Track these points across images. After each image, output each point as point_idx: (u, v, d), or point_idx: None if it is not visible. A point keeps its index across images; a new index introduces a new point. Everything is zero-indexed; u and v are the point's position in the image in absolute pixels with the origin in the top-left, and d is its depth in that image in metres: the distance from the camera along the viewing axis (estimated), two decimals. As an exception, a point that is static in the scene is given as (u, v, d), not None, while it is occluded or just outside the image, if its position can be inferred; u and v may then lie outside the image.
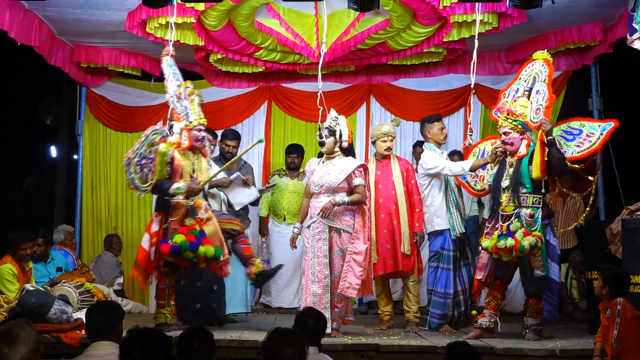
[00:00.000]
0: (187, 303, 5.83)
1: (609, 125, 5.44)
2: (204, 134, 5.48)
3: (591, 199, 5.74)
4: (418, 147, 7.22)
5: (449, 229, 5.93)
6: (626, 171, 6.77)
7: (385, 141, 6.00)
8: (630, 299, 4.46)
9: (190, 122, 5.42)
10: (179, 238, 5.18)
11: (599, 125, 5.50)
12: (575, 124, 5.63)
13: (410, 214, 5.94)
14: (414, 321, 5.89)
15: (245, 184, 6.36)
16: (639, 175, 7.84)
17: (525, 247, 5.02)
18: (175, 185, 5.31)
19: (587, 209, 5.75)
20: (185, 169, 5.39)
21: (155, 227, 5.41)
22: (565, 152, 5.45)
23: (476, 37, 5.78)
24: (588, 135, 5.47)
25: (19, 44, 6.03)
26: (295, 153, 7.25)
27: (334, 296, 5.34)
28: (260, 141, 6.29)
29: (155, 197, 5.72)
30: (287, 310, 7.12)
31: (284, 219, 7.25)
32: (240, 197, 6.37)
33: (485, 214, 6.73)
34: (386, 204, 5.93)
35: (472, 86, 5.87)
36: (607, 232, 5.54)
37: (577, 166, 5.52)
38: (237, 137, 6.68)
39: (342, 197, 5.36)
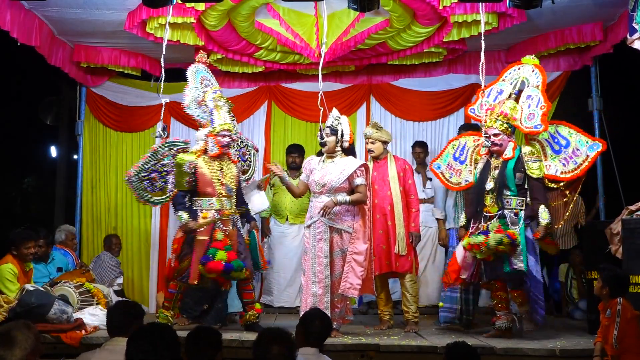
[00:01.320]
0: (195, 303, 5.84)
1: (597, 146, 5.40)
2: (229, 139, 5.48)
3: (571, 205, 5.74)
4: (417, 147, 7.21)
5: (456, 228, 6.05)
6: (626, 171, 6.77)
7: (367, 143, 6.08)
8: (630, 299, 4.46)
9: (214, 128, 5.44)
10: (222, 256, 5.24)
11: (587, 143, 5.44)
12: (563, 130, 5.56)
13: (406, 214, 5.95)
14: (413, 321, 5.90)
15: (259, 188, 6.41)
16: (639, 175, 7.84)
17: (491, 243, 5.06)
18: (178, 213, 5.38)
19: (567, 214, 5.75)
20: (213, 177, 5.41)
21: (179, 234, 5.48)
22: (549, 167, 5.45)
23: (482, 37, 5.78)
24: (574, 152, 5.45)
25: (18, 44, 6.03)
26: (296, 153, 7.24)
27: (334, 296, 5.34)
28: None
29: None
30: (288, 310, 7.13)
31: (287, 219, 7.25)
32: (253, 204, 6.38)
33: None
34: (381, 204, 5.92)
35: (482, 87, 5.88)
36: (607, 232, 5.55)
37: (555, 185, 5.52)
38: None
39: (343, 196, 5.35)
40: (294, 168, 7.18)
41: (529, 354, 4.85)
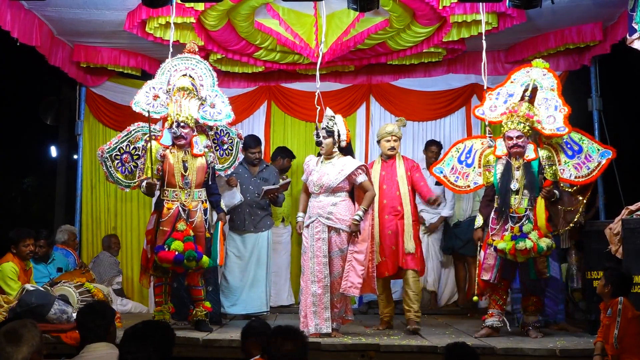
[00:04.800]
0: (181, 305, 5.83)
1: (608, 153, 5.63)
2: (182, 131, 5.40)
3: (580, 209, 5.91)
4: (433, 146, 7.22)
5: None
6: (626, 171, 6.76)
7: (389, 141, 5.96)
8: (630, 299, 4.47)
9: (168, 120, 5.45)
10: (178, 246, 5.21)
11: (598, 150, 5.67)
12: (575, 136, 5.72)
13: (414, 210, 5.90)
14: (415, 320, 5.72)
15: (229, 184, 6.35)
16: (639, 175, 7.84)
17: (544, 248, 5.15)
18: (143, 184, 5.38)
19: (576, 218, 5.87)
20: (175, 168, 5.40)
21: (149, 226, 5.50)
22: (563, 171, 5.62)
23: (483, 37, 5.76)
24: (587, 158, 5.65)
25: (18, 44, 6.03)
26: (287, 157, 7.21)
27: (334, 296, 5.33)
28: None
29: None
30: (286, 309, 7.16)
31: (282, 220, 7.23)
32: (225, 200, 6.29)
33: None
34: (391, 204, 5.85)
35: (485, 87, 5.88)
36: (607, 232, 5.55)
37: (570, 189, 5.78)
38: (259, 143, 6.82)
39: (359, 211, 5.31)
40: (284, 171, 7.16)
41: (529, 354, 4.84)
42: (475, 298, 5.74)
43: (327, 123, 5.44)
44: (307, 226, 5.42)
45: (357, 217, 5.30)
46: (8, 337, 2.81)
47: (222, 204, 5.81)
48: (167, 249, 5.22)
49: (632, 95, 8.67)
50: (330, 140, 5.42)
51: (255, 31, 6.67)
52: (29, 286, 5.32)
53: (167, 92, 5.61)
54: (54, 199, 10.96)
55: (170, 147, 5.44)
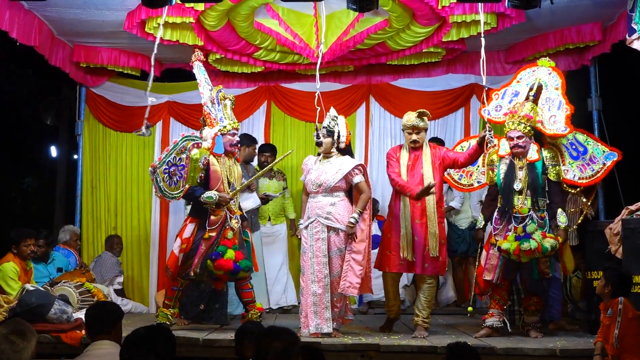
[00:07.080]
0: (191, 304, 5.84)
1: (613, 156, 5.73)
2: (237, 138, 5.56)
3: (585, 211, 6.00)
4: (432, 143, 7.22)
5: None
6: (626, 171, 6.76)
7: (410, 133, 5.61)
8: (630, 299, 4.47)
9: (225, 127, 5.48)
10: (231, 254, 5.32)
11: (603, 152, 5.76)
12: (581, 137, 5.80)
13: (440, 210, 5.56)
14: (423, 326, 5.51)
15: (249, 189, 6.40)
16: (639, 175, 7.83)
17: (548, 248, 5.16)
18: (206, 194, 5.33)
19: (580, 220, 5.91)
20: (222, 174, 5.44)
21: (187, 234, 5.44)
22: (567, 171, 5.70)
23: (482, 37, 5.76)
24: (591, 160, 5.74)
25: (18, 43, 6.03)
26: (269, 152, 7.20)
27: (333, 296, 5.34)
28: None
29: (183, 202, 5.75)
30: (278, 310, 7.16)
31: (269, 219, 7.24)
32: (246, 202, 6.42)
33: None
34: (410, 200, 5.52)
35: (484, 86, 5.89)
36: (607, 232, 5.56)
37: (573, 190, 5.86)
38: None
39: (355, 214, 5.30)
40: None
41: (529, 354, 4.85)
42: (470, 309, 5.73)
43: (329, 122, 5.45)
44: (306, 227, 5.42)
45: (352, 220, 5.29)
46: (18, 334, 2.87)
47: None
48: (222, 256, 5.28)
49: (632, 96, 8.66)
50: (329, 139, 5.43)
51: (255, 31, 6.67)
52: (29, 286, 5.33)
53: (218, 99, 5.59)
54: (54, 199, 10.96)
55: (220, 155, 5.46)
